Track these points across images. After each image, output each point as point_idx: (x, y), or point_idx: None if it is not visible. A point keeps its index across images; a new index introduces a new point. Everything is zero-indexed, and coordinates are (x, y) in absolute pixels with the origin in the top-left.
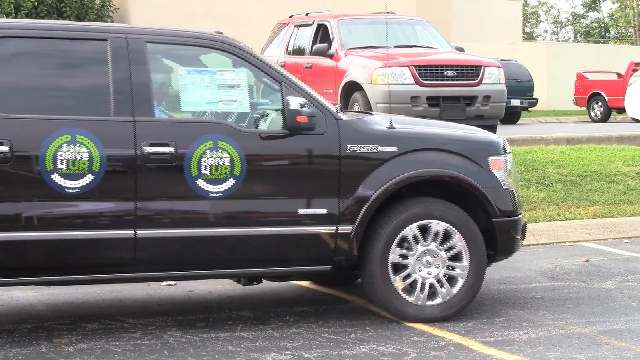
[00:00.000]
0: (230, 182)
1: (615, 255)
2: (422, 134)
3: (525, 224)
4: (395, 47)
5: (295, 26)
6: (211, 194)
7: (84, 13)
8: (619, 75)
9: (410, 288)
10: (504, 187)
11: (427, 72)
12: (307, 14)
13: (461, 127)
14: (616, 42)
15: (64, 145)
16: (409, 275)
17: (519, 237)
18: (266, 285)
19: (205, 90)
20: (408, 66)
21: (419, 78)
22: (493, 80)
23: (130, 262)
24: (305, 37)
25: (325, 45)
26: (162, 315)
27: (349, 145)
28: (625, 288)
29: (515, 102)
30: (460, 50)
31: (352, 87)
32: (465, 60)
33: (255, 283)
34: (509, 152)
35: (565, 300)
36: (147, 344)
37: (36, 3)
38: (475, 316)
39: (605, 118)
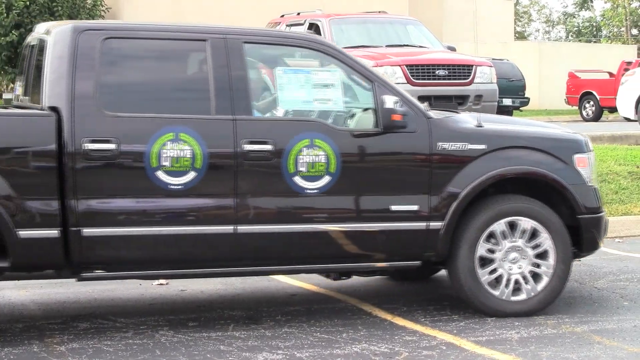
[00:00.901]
0: (326, 179)
1: (608, 255)
2: (509, 131)
3: (607, 221)
4: (387, 46)
5: (286, 25)
6: (307, 191)
7: (75, 13)
8: (610, 74)
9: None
10: (589, 184)
11: (419, 71)
12: (298, 14)
13: (545, 125)
14: (608, 42)
15: (168, 143)
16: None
17: (602, 234)
18: (258, 284)
19: (300, 89)
20: (400, 65)
21: (411, 77)
22: (485, 79)
23: (230, 257)
24: None
25: None
26: (154, 314)
27: (439, 143)
28: (617, 287)
29: (507, 102)
30: (452, 49)
31: None
32: (457, 59)
33: (344, 278)
34: (592, 150)
35: (557, 299)
36: (138, 344)
37: (28, 3)
38: (467, 315)
39: (597, 117)
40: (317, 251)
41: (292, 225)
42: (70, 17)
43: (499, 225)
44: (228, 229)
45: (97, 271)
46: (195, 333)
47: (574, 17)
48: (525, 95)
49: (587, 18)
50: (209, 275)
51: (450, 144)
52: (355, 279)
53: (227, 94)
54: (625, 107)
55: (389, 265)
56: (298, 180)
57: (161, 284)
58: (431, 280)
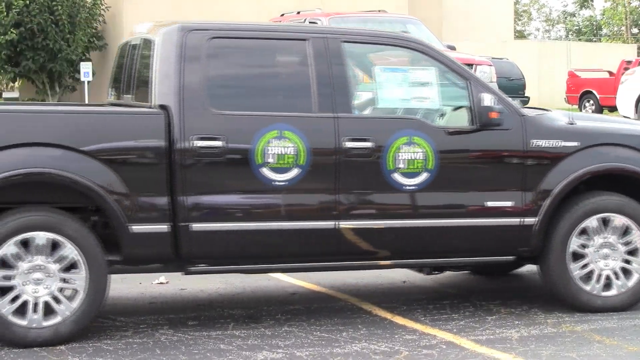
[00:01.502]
0: (424, 175)
1: None
2: (600, 129)
3: None
4: None
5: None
6: (406, 187)
7: (75, 12)
8: (610, 73)
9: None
10: None
11: None
12: (298, 12)
13: (632, 122)
14: (608, 41)
15: (273, 140)
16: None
17: None
18: (258, 283)
19: (398, 88)
20: None
21: None
22: (484, 78)
23: (331, 252)
24: None
25: None
26: (154, 313)
27: (533, 140)
28: None
29: None
30: (452, 48)
31: None
32: (457, 58)
33: (436, 272)
34: None
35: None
36: (138, 342)
37: (28, 1)
38: (467, 314)
39: None
40: (414, 246)
41: (391, 221)
42: (70, 16)
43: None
44: (329, 224)
45: (202, 265)
46: (195, 332)
47: (574, 16)
48: (525, 94)
49: (587, 17)
50: (310, 269)
51: (544, 141)
52: (356, 278)
53: (328, 92)
54: (625, 106)
55: (484, 260)
56: (397, 176)
57: (161, 283)
58: (431, 280)
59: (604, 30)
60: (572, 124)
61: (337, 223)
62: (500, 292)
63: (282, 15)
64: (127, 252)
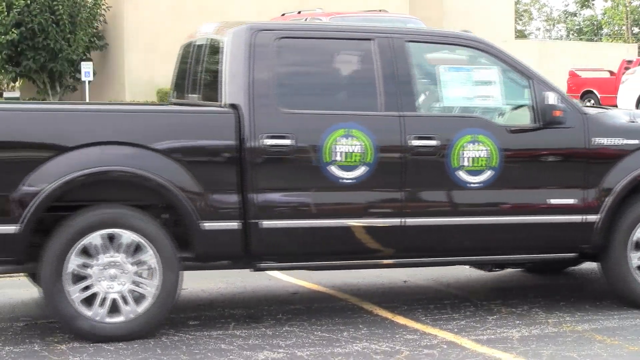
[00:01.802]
0: (488, 173)
1: None
2: None
3: None
4: None
5: None
6: (470, 185)
7: (76, 12)
8: (611, 73)
9: None
10: None
11: None
12: (299, 12)
13: None
14: (609, 40)
15: (341, 138)
16: None
17: None
18: (259, 283)
19: (462, 86)
20: None
21: None
22: None
23: (397, 249)
24: None
25: None
26: None
27: (595, 139)
28: None
29: None
30: None
31: None
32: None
33: (497, 269)
34: None
35: (558, 298)
36: (139, 342)
37: (29, 1)
38: (468, 314)
39: None
40: (478, 243)
41: (456, 218)
42: (70, 16)
43: None
44: (395, 221)
45: (269, 262)
46: (196, 332)
47: (575, 15)
48: None
49: (588, 17)
50: (376, 266)
51: (606, 139)
52: (357, 278)
53: (394, 91)
54: (625, 105)
55: (546, 257)
56: (461, 174)
57: None
58: (432, 280)
59: (605, 30)
60: (633, 122)
61: (402, 220)
62: (501, 291)
63: (283, 15)
64: (198, 250)
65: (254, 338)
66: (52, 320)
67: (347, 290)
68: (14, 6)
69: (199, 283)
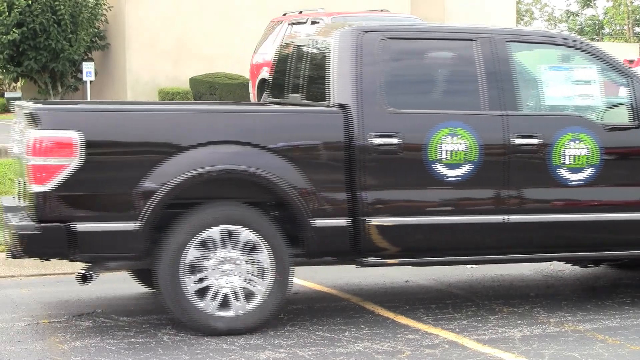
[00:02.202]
0: (589, 171)
1: None
2: None
3: None
4: None
5: (289, 24)
6: (571, 182)
7: (77, 12)
8: None
9: None
10: None
11: None
12: (300, 12)
13: None
14: (610, 40)
15: (446, 137)
16: None
17: None
18: None
19: (562, 86)
20: None
21: None
22: None
23: (500, 245)
24: None
25: None
26: (156, 313)
27: None
28: (620, 286)
29: None
30: None
31: None
32: None
33: (593, 266)
34: None
35: (560, 297)
36: (141, 342)
37: (30, 1)
38: (470, 314)
39: None
40: (578, 239)
41: (558, 215)
42: (72, 16)
43: None
44: (498, 218)
45: (375, 258)
46: (197, 332)
47: (577, 15)
48: None
49: (590, 16)
50: (479, 262)
51: None
52: (359, 278)
53: (497, 90)
54: None
55: None
56: (563, 172)
57: None
58: (433, 279)
59: (606, 30)
60: None
61: (506, 217)
62: (503, 291)
63: (285, 14)
64: (309, 247)
65: (256, 338)
66: (54, 321)
67: (348, 290)
68: (16, 6)
69: None
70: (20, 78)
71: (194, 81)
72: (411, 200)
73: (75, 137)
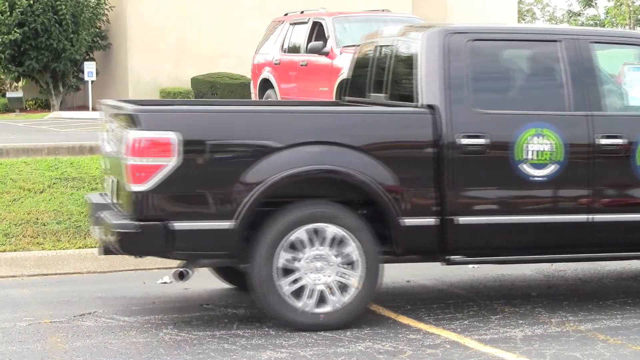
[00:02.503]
0: None
1: None
2: None
3: None
4: None
5: (290, 24)
6: None
7: (79, 11)
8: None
9: None
10: None
11: None
12: (302, 12)
13: None
14: None
15: (532, 137)
16: None
17: None
18: None
19: None
20: None
21: None
22: None
23: (584, 244)
24: (300, 35)
25: (320, 43)
26: (158, 313)
27: None
28: (621, 286)
29: None
30: None
31: None
32: None
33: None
34: None
35: (561, 297)
36: (142, 342)
37: (31, 1)
38: (471, 314)
39: None
40: None
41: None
42: (73, 16)
43: None
44: (582, 218)
45: (460, 257)
46: (199, 331)
47: (579, 15)
48: None
49: (591, 16)
50: (563, 260)
51: None
52: None
53: (581, 91)
54: None
55: None
56: None
57: (165, 283)
58: (435, 279)
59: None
60: None
61: (590, 217)
62: (504, 291)
63: (286, 14)
64: (397, 245)
65: (257, 338)
66: (56, 321)
67: None
68: (17, 6)
69: (202, 283)
70: (21, 78)
71: (195, 81)
72: (497, 199)
73: (173, 137)
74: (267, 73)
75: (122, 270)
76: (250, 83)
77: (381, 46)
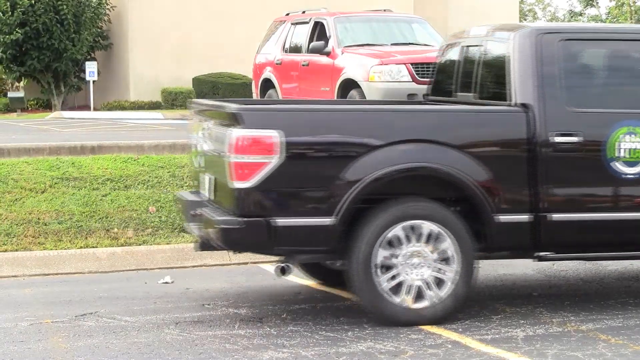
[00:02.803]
0: None
1: None
2: None
3: None
4: (392, 44)
5: (292, 24)
6: None
7: (80, 11)
8: None
9: None
10: None
11: (424, 69)
12: (303, 12)
13: None
14: None
15: (624, 136)
16: None
17: None
18: (264, 283)
19: None
20: (405, 64)
21: (416, 76)
22: None
23: None
24: (302, 34)
25: (322, 43)
26: (159, 313)
27: None
28: (623, 286)
29: None
30: None
31: (349, 85)
32: None
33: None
34: None
35: (563, 297)
36: (144, 342)
37: (33, 1)
38: (473, 314)
39: None
40: None
41: None
42: (75, 16)
43: None
44: None
45: (551, 253)
46: (200, 332)
47: (580, 15)
48: None
49: (593, 16)
50: None
51: None
52: None
53: None
54: None
55: None
56: None
57: (166, 283)
58: None
59: None
60: None
61: None
62: (506, 291)
63: (288, 14)
64: (492, 241)
65: (259, 338)
66: (57, 321)
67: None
68: (18, 6)
69: (204, 283)
70: (23, 78)
71: (196, 81)
72: (590, 196)
73: (276, 135)
74: (268, 73)
75: (123, 271)
76: (251, 83)
77: (467, 46)
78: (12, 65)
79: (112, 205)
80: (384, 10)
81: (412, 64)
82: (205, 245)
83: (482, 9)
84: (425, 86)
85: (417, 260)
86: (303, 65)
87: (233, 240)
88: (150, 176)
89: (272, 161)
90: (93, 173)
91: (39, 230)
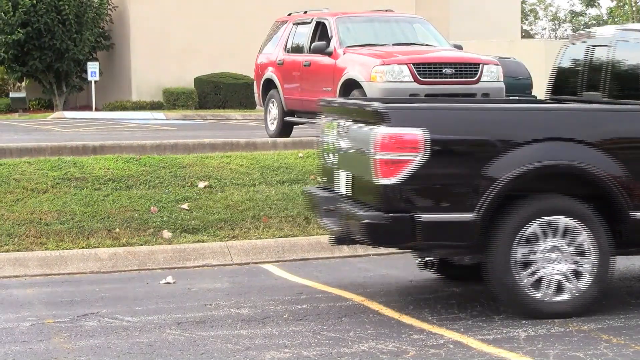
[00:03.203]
0: None
1: None
2: None
3: None
4: (394, 45)
5: (293, 24)
6: None
7: (82, 11)
8: None
9: None
10: None
11: (426, 69)
12: (305, 12)
13: None
14: None
15: None
16: None
17: None
18: (265, 283)
19: None
20: (406, 64)
21: (418, 76)
22: (492, 77)
23: None
24: (303, 35)
25: (323, 43)
26: (161, 313)
27: None
28: (624, 286)
29: None
30: (459, 48)
31: (351, 85)
32: (464, 57)
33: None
34: None
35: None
36: (145, 342)
37: (34, 1)
38: (474, 314)
39: None
40: None
41: None
42: (77, 16)
43: None
44: None
45: None
46: (202, 332)
47: (581, 15)
48: (532, 94)
49: (594, 16)
50: None
51: None
52: (364, 278)
53: None
54: None
55: None
56: None
57: (168, 283)
58: (438, 279)
59: None
60: None
61: None
62: None
63: (290, 14)
64: (626, 238)
65: (260, 338)
66: (59, 321)
67: (353, 290)
68: (20, 6)
69: (205, 283)
70: (24, 78)
71: (198, 81)
72: None
73: (421, 133)
74: (270, 73)
75: (125, 271)
76: (253, 83)
77: (594, 46)
78: (14, 66)
79: (114, 205)
80: (386, 11)
81: (413, 64)
82: (341, 239)
83: (483, 9)
84: (426, 86)
85: (555, 255)
86: (305, 65)
87: (378, 235)
88: (152, 176)
89: (417, 158)
90: (95, 173)
91: (41, 230)
